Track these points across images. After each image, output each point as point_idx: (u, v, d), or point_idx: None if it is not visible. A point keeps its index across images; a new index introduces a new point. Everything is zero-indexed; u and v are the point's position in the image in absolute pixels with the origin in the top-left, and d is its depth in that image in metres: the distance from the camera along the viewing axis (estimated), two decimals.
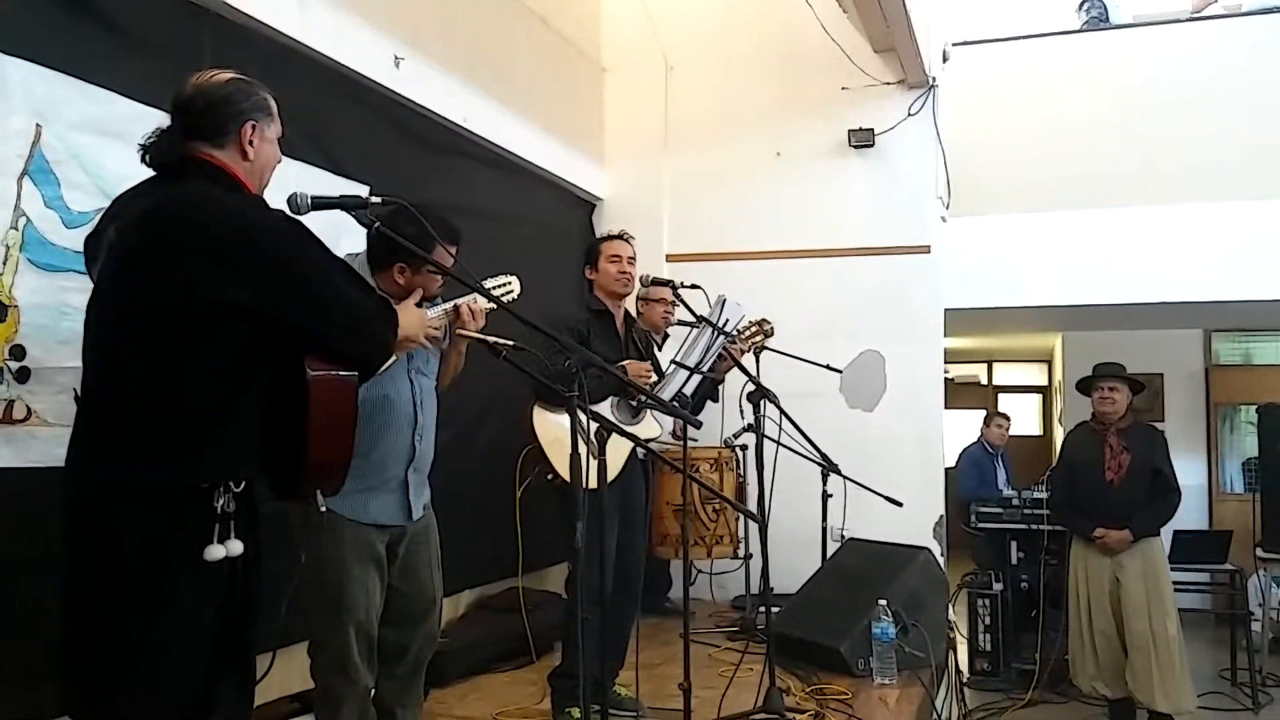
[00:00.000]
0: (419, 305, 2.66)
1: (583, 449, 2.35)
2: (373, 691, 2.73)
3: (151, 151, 1.96)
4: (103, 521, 1.80)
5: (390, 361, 2.56)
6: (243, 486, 1.91)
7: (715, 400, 4.58)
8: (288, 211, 2.12)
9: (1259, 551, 6.44)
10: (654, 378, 3.47)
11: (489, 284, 2.88)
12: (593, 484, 2.39)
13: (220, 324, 1.83)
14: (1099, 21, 7.32)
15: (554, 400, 3.31)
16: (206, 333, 1.83)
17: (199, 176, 1.93)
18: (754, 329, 4.07)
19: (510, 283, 2.92)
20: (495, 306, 2.62)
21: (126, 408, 1.83)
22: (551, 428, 3.27)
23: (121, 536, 1.79)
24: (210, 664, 1.87)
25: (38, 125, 2.57)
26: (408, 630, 2.78)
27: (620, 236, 3.68)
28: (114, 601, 1.80)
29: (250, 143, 1.99)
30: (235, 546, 1.87)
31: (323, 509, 2.11)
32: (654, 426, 3.46)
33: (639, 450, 3.35)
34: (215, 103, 1.97)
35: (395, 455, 2.69)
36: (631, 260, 3.57)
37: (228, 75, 2.02)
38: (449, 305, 2.70)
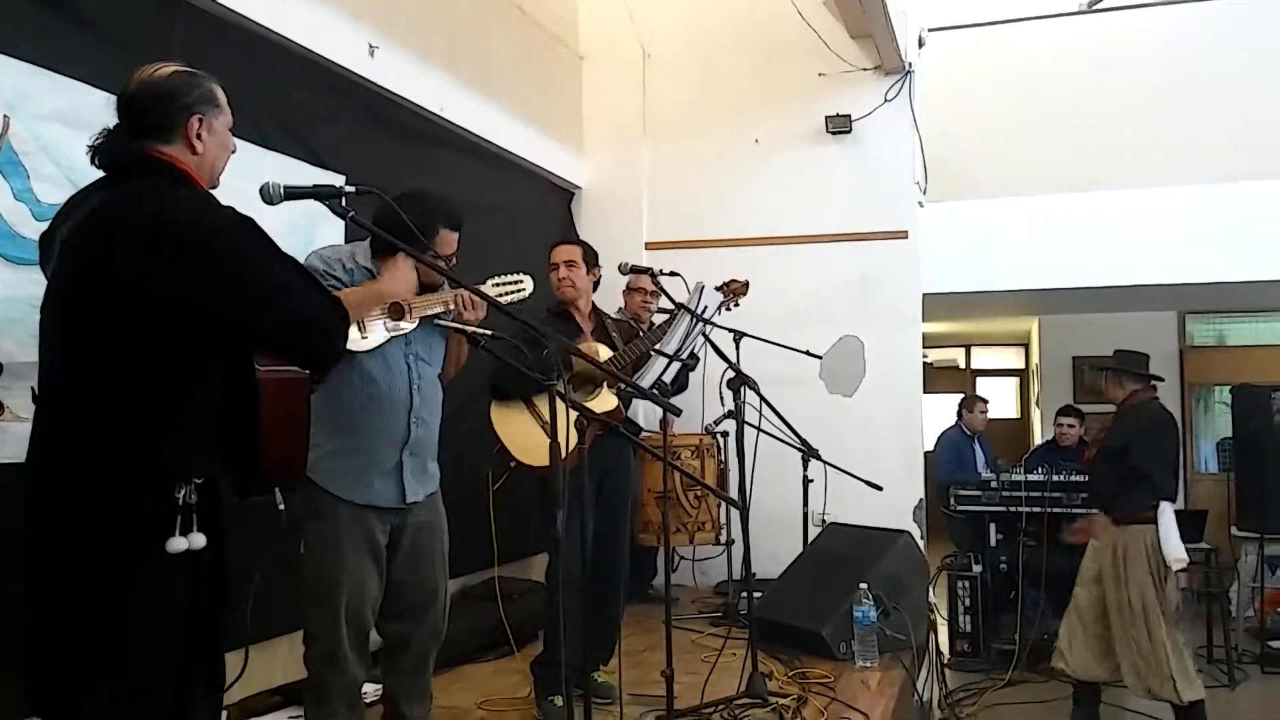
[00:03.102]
0: (420, 294, 2.66)
1: (558, 437, 2.34)
2: (363, 684, 2.73)
3: (99, 152, 1.93)
4: (63, 518, 1.79)
5: (385, 340, 2.57)
6: (205, 480, 1.89)
7: (693, 369, 4.55)
8: (259, 201, 2.10)
9: (1234, 530, 6.53)
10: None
11: (498, 280, 2.88)
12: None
13: (170, 319, 1.82)
14: None
15: (505, 395, 3.35)
16: (156, 328, 1.82)
17: (148, 173, 1.91)
18: (722, 289, 4.00)
19: (522, 281, 2.91)
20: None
21: (82, 404, 1.82)
22: (508, 421, 3.35)
23: (83, 532, 1.78)
24: (179, 661, 1.86)
25: (6, 117, 2.54)
26: (409, 623, 2.77)
27: (561, 241, 3.68)
28: (77, 598, 1.79)
29: (197, 136, 1.96)
30: (198, 539, 1.85)
31: (281, 506, 2.09)
32: (611, 399, 3.46)
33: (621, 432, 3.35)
34: (159, 98, 1.93)
35: (389, 437, 2.68)
36: (570, 264, 3.52)
37: (171, 69, 1.98)
38: (449, 295, 2.69)
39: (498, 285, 2.87)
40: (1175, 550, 4.44)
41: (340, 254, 2.71)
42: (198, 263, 1.84)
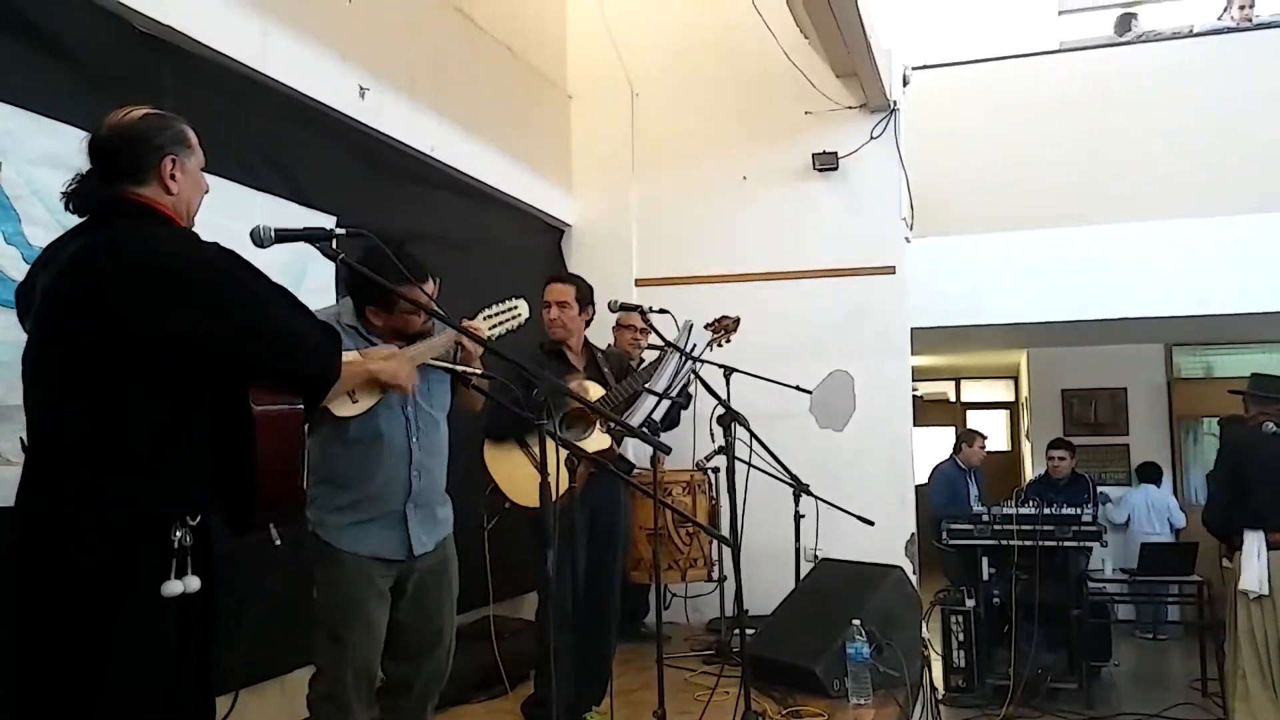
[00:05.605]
0: (402, 345, 2.64)
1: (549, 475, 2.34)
2: None
3: (74, 198, 1.93)
4: (54, 559, 1.78)
5: (374, 403, 2.55)
6: (199, 521, 1.88)
7: (686, 408, 4.55)
8: (249, 243, 2.11)
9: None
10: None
11: (491, 311, 2.86)
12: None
13: (158, 358, 1.82)
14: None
15: (499, 436, 3.34)
16: (145, 367, 1.82)
17: (126, 216, 1.92)
18: (714, 325, 4.01)
19: (516, 306, 2.88)
20: (492, 334, 2.67)
21: (72, 447, 1.81)
22: (501, 461, 3.33)
23: (73, 572, 1.76)
24: (169, 702, 1.84)
25: None
26: (412, 664, 2.74)
27: (555, 279, 3.64)
28: (66, 639, 1.77)
29: (171, 177, 1.97)
30: (193, 582, 1.84)
31: (277, 543, 2.07)
32: (604, 439, 3.45)
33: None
34: (130, 141, 1.94)
35: (391, 490, 2.66)
36: (562, 305, 3.52)
37: (141, 111, 1.99)
38: (443, 340, 2.68)
39: (490, 316, 2.85)
40: (1246, 581, 4.51)
41: (327, 315, 2.59)
42: (184, 299, 1.83)
